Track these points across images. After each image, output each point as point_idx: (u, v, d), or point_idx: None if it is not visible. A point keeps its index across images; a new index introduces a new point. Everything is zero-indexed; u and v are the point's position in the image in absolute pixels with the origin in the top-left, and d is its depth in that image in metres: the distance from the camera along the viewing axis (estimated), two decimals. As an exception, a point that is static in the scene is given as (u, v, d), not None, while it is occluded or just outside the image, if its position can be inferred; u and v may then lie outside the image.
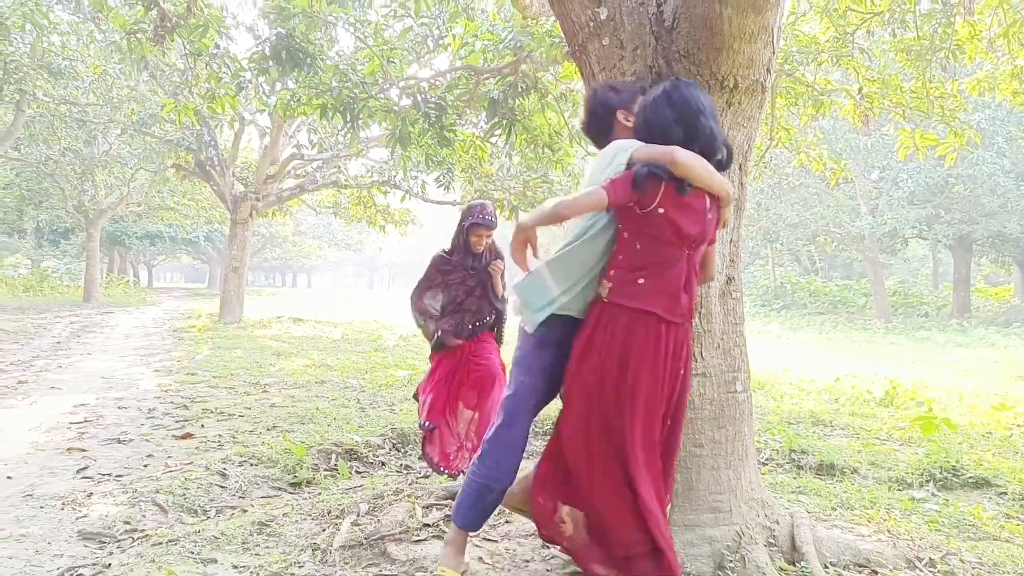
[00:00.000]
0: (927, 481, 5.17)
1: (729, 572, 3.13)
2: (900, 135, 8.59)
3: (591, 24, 3.34)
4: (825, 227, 31.58)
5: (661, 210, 2.70)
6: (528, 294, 2.91)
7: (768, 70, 3.23)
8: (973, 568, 3.43)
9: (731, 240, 3.42)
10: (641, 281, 2.74)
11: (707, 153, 2.78)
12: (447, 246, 5.03)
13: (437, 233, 42.92)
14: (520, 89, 7.72)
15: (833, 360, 15.14)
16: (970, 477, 5.17)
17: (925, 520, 4.21)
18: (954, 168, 27.13)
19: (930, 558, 3.48)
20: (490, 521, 3.67)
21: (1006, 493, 4.93)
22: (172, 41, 7.47)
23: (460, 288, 4.91)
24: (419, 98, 7.85)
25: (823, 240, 38.04)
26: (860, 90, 8.05)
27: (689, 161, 2.68)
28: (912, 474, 5.27)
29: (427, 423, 4.90)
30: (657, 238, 2.73)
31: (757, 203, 31.16)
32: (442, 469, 4.85)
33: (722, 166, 2.87)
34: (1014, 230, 28.93)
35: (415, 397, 5.16)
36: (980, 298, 43.03)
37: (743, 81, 3.16)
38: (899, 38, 7.66)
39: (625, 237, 2.79)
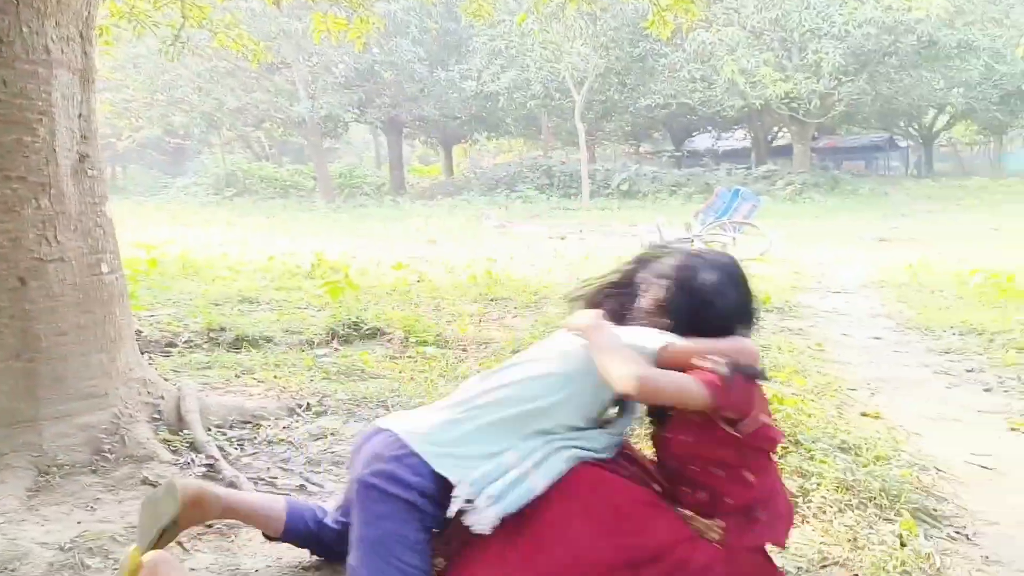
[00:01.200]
0: (332, 339, 5.70)
1: (108, 454, 3.09)
2: (313, 19, 8.88)
3: None
4: (268, 112, 31.84)
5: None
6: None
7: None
8: (344, 404, 3.91)
9: (80, 115, 3.21)
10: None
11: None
12: None
13: None
14: None
15: (276, 241, 15.64)
16: (368, 329, 5.82)
17: (320, 372, 4.65)
18: (381, 55, 29.28)
19: (308, 403, 3.88)
20: None
21: (394, 339, 5.68)
22: None
23: None
24: None
25: (270, 126, 38.40)
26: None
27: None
28: (319, 335, 5.75)
29: None
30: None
31: (198, 87, 30.04)
32: None
33: None
34: (432, 113, 32.52)
35: None
36: (415, 176, 47.92)
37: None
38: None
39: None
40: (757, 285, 8.00)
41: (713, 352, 2.09)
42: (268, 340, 5.73)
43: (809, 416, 3.79)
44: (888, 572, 2.43)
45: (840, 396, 4.48)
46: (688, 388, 2.03)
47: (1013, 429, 4.06)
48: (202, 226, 20.97)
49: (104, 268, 3.26)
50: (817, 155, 41.76)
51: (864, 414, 4.20)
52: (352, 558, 2.04)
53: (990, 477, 3.41)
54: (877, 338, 6.34)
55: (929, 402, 4.53)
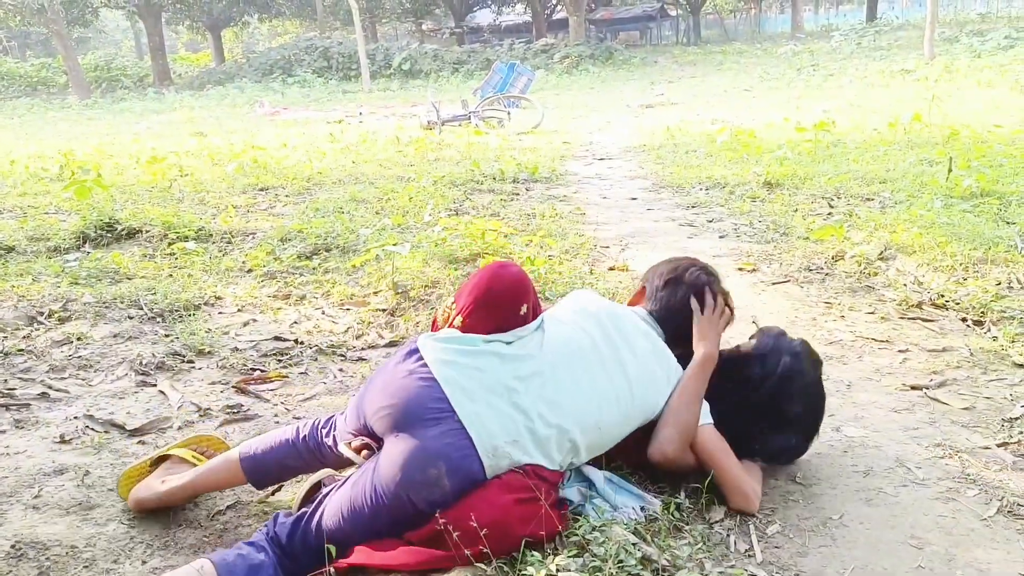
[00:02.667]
0: (83, 243, 5.34)
1: None
2: None
3: None
4: (-3, -2, 28.11)
5: None
6: None
7: None
8: (92, 307, 3.73)
9: None
10: None
11: None
12: None
13: None
14: None
15: (21, 144, 14.14)
16: (123, 230, 5.49)
17: (67, 278, 4.37)
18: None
19: (50, 310, 3.67)
20: None
21: (152, 237, 5.40)
22: None
23: None
24: None
25: (3, 14, 33.95)
26: None
27: None
28: (68, 240, 5.36)
29: None
30: None
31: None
32: None
33: None
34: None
35: None
36: (183, 65, 44.43)
37: None
38: None
39: None
40: (528, 157, 8.33)
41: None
42: (9, 250, 5.28)
43: (560, 274, 4.05)
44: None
45: (593, 254, 4.80)
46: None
47: (740, 269, 4.53)
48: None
49: None
50: (595, 27, 42.69)
51: (612, 268, 4.54)
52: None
53: (715, 311, 3.81)
54: (633, 199, 6.78)
55: (672, 251, 4.91)
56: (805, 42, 32.65)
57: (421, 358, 1.94)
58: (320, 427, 2.19)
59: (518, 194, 6.95)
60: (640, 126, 12.79)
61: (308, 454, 2.17)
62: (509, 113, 12.81)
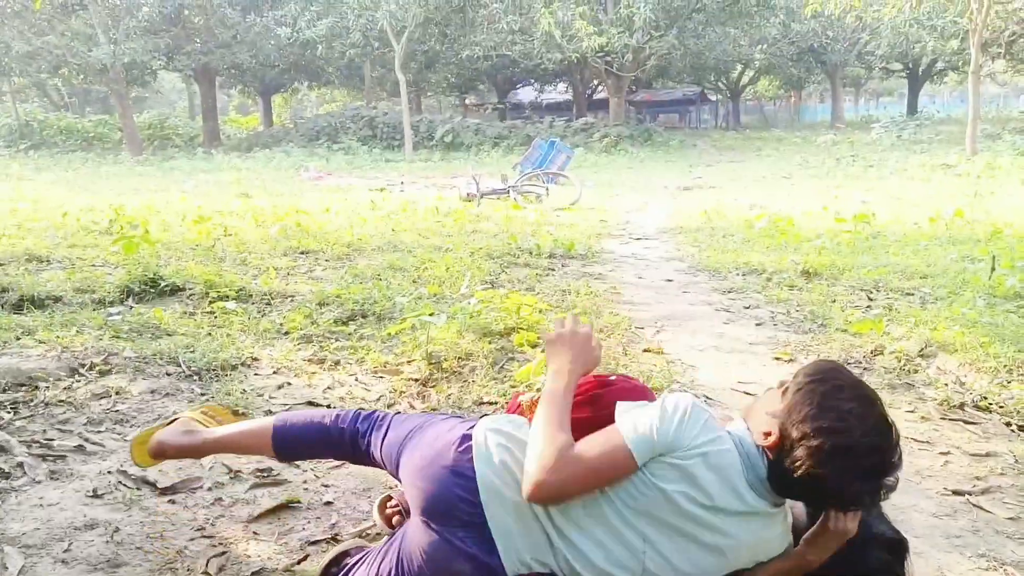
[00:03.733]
0: (126, 297, 5.44)
1: None
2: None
3: None
4: (63, 58, 29.30)
5: None
6: None
7: None
8: (132, 361, 3.79)
9: None
10: None
11: None
12: None
13: None
14: None
15: (75, 197, 14.57)
16: (166, 286, 5.59)
17: (110, 331, 4.45)
18: (189, -2, 27.54)
19: (92, 362, 3.72)
20: None
21: (194, 295, 5.50)
22: None
23: None
24: None
25: (67, 72, 35.39)
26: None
27: None
28: (113, 293, 5.47)
29: None
30: None
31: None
32: None
33: None
34: (247, 61, 31.04)
35: None
36: (232, 127, 45.79)
37: None
38: None
39: None
40: (565, 233, 8.40)
41: None
42: (56, 300, 5.39)
43: (594, 354, 4.03)
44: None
45: (628, 334, 4.79)
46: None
47: (776, 359, 4.49)
48: (-12, 181, 19.21)
49: None
50: (634, 108, 43.42)
51: (647, 350, 4.52)
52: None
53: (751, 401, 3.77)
54: (669, 280, 6.78)
55: (707, 336, 4.93)
56: (845, 132, 32.90)
57: (470, 449, 1.89)
58: (360, 420, 2.20)
59: (553, 270, 6.99)
60: (677, 208, 12.87)
61: (340, 443, 2.20)
62: (547, 189, 13.00)
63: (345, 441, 2.18)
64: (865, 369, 4.22)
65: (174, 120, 42.48)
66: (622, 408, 1.87)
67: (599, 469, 1.74)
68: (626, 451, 1.74)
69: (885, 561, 1.88)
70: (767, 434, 1.76)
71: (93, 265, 6.71)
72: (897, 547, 1.91)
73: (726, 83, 48.10)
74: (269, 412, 3.37)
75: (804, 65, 42.59)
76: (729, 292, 6.27)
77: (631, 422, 1.78)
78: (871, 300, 5.82)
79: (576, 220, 10.57)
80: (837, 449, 1.64)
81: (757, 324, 5.27)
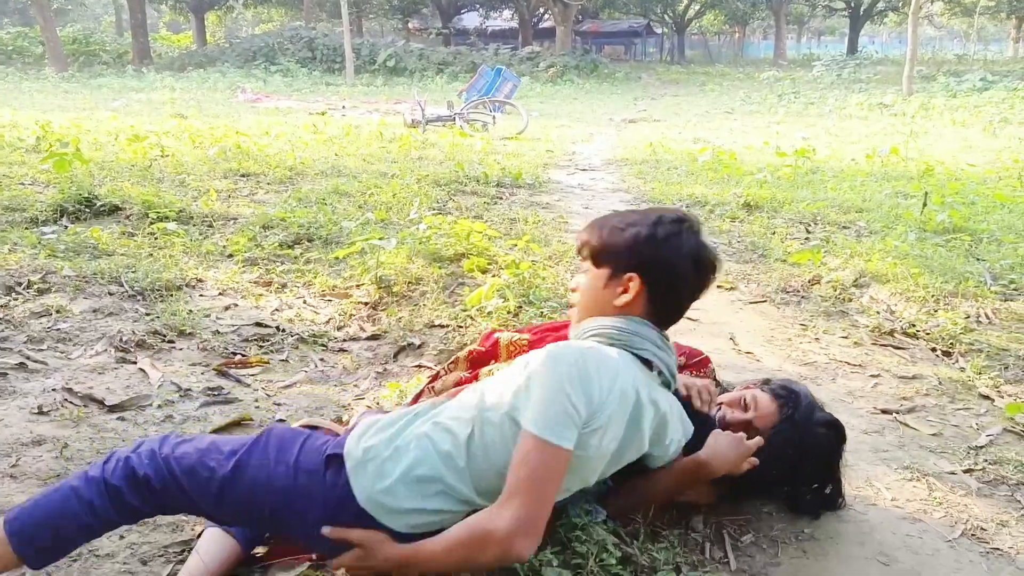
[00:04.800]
0: (60, 217, 5.27)
1: None
2: None
3: None
4: (-22, -38, 27.57)
5: None
6: None
7: None
8: (72, 280, 3.70)
9: None
10: None
11: None
12: None
13: None
14: None
15: (-3, 113, 13.91)
16: (102, 206, 5.42)
17: (45, 250, 4.32)
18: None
19: (29, 280, 3.63)
20: None
21: (132, 215, 5.35)
22: None
23: None
24: None
25: (-17, -21, 33.37)
26: None
27: None
28: (45, 212, 5.29)
29: None
30: None
31: None
32: None
33: None
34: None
35: None
36: (163, 45, 43.92)
37: None
38: None
39: None
40: (512, 162, 8.34)
41: None
42: (-16, 219, 5.21)
43: (543, 280, 4.08)
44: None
45: (574, 264, 4.83)
46: None
47: (718, 287, 4.58)
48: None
49: None
50: (580, 38, 42.93)
51: (593, 277, 4.57)
52: None
53: (693, 327, 3.85)
54: (615, 211, 6.83)
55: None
56: (787, 69, 33.14)
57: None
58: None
59: (501, 198, 6.98)
60: (622, 140, 12.89)
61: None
62: (494, 117, 12.87)
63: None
64: (803, 298, 4.35)
65: (100, 36, 40.53)
66: (493, 387, 1.70)
67: (547, 489, 1.54)
68: (554, 450, 1.53)
69: (829, 438, 2.09)
70: (624, 289, 1.76)
71: (21, 184, 6.46)
72: (837, 427, 2.11)
73: (672, 16, 47.77)
74: (217, 332, 3.35)
75: (750, 1, 42.54)
76: (673, 223, 6.34)
77: (531, 415, 1.56)
78: (809, 233, 5.97)
79: (522, 150, 10.51)
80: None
81: (700, 254, 5.35)
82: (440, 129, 12.52)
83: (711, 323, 3.92)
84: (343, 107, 17.46)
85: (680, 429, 1.89)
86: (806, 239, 5.73)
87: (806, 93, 24.10)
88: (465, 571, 1.60)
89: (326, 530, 1.61)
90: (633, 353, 1.73)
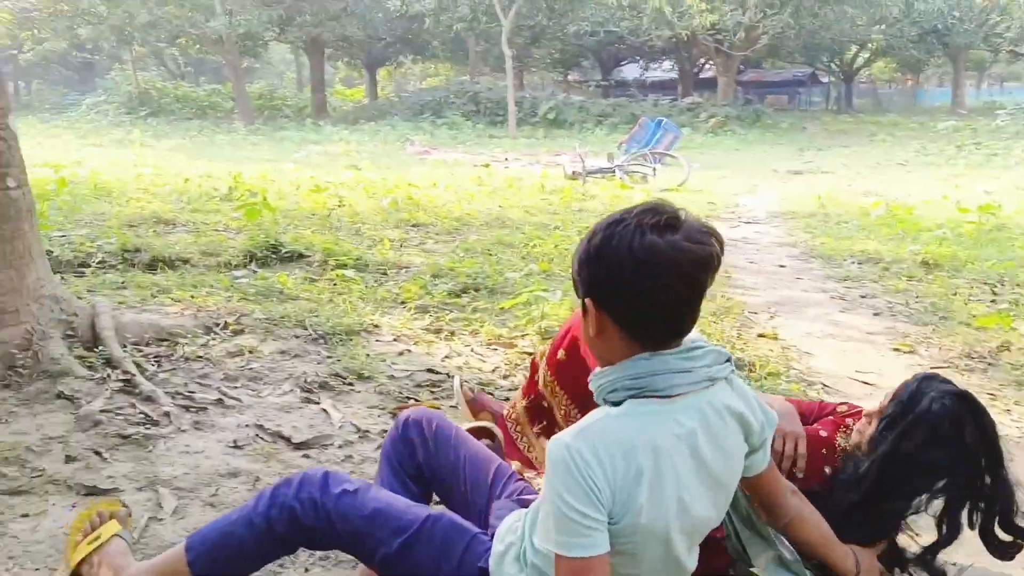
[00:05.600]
0: (249, 261, 5.69)
1: (21, 370, 3.11)
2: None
3: None
4: (182, 27, 30.51)
5: None
6: None
7: None
8: (262, 323, 3.98)
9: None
10: None
11: None
12: None
13: None
14: None
15: (193, 163, 15.24)
16: (287, 252, 5.83)
17: (238, 293, 4.67)
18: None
19: (225, 322, 3.93)
20: None
21: (313, 262, 5.71)
22: None
23: None
24: None
25: (185, 42, 36.86)
26: None
27: None
28: (237, 257, 5.73)
29: None
30: None
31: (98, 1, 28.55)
32: None
33: None
34: (356, 33, 31.64)
35: None
36: (338, 99, 46.75)
37: None
38: None
39: None
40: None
41: None
42: (185, 262, 5.68)
43: (709, 336, 4.02)
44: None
45: (741, 319, 4.75)
46: None
47: (895, 349, 4.37)
48: (114, 147, 20.25)
49: (10, 183, 3.21)
50: (742, 88, 42.29)
51: (762, 335, 4.47)
52: None
53: (870, 391, 3.70)
54: (782, 265, 6.66)
55: (823, 324, 4.84)
56: (967, 118, 31.26)
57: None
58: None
59: (663, 251, 6.93)
60: (787, 192, 12.55)
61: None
62: (655, 169, 12.85)
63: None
64: (990, 365, 4.07)
65: (283, 91, 43.74)
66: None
67: None
68: (568, 562, 1.41)
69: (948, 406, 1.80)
70: (600, 332, 1.51)
71: (216, 229, 7.02)
72: (963, 396, 1.82)
73: (839, 64, 46.31)
74: (392, 377, 3.49)
75: (925, 47, 40.51)
76: (845, 280, 6.11)
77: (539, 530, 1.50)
78: (996, 295, 5.59)
79: (684, 202, 10.38)
80: None
81: (875, 314, 5.13)
82: (600, 181, 12.64)
83: (888, 387, 3.72)
84: (506, 159, 17.95)
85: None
86: (992, 301, 5.36)
87: (988, 144, 22.62)
88: None
89: None
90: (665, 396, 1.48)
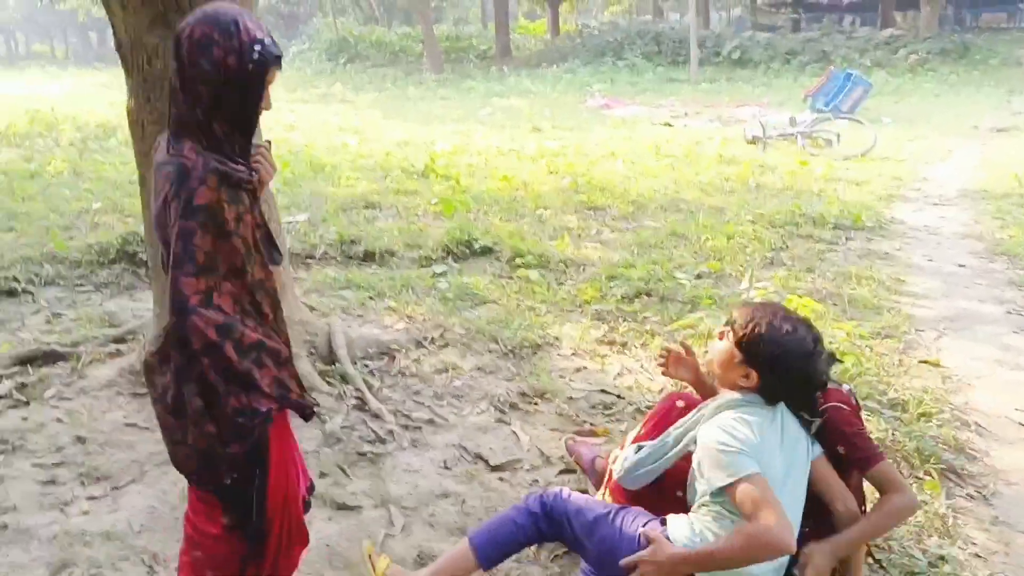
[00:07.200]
0: (446, 256, 6.40)
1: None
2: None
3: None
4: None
5: None
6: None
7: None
8: (461, 338, 4.65)
9: None
10: None
11: None
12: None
13: None
14: None
15: (390, 123, 16.35)
16: (479, 247, 6.50)
17: (439, 298, 5.38)
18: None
19: (432, 337, 4.63)
20: None
21: (502, 258, 6.34)
22: None
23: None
24: None
25: (375, -18, 38.32)
26: None
27: None
28: (436, 250, 6.45)
29: None
30: None
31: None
32: None
33: None
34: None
35: None
36: (520, 35, 47.20)
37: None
38: None
39: None
40: (853, 195, 8.14)
41: None
42: (392, 254, 6.46)
43: (866, 370, 4.21)
44: (902, 531, 2.92)
45: (906, 340, 4.82)
46: None
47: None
48: (317, 102, 21.83)
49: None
50: (952, 6, 38.53)
51: (924, 360, 4.55)
52: None
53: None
54: (961, 265, 6.49)
55: (992, 347, 4.78)
56: None
57: None
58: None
59: (837, 243, 7.01)
60: (986, 158, 11.83)
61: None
62: (838, 135, 12.47)
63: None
64: None
65: (467, 29, 44.66)
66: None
67: (772, 500, 2.12)
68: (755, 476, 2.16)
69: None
70: (746, 376, 2.36)
71: (416, 215, 7.79)
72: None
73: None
74: (570, 399, 4.04)
75: None
76: (1027, 288, 5.92)
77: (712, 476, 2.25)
78: None
79: (867, 174, 10.21)
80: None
81: (1054, 337, 4.97)
82: (781, 144, 12.50)
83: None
84: (685, 114, 17.89)
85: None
86: None
87: None
88: (735, 567, 2.17)
89: (624, 560, 2.29)
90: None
